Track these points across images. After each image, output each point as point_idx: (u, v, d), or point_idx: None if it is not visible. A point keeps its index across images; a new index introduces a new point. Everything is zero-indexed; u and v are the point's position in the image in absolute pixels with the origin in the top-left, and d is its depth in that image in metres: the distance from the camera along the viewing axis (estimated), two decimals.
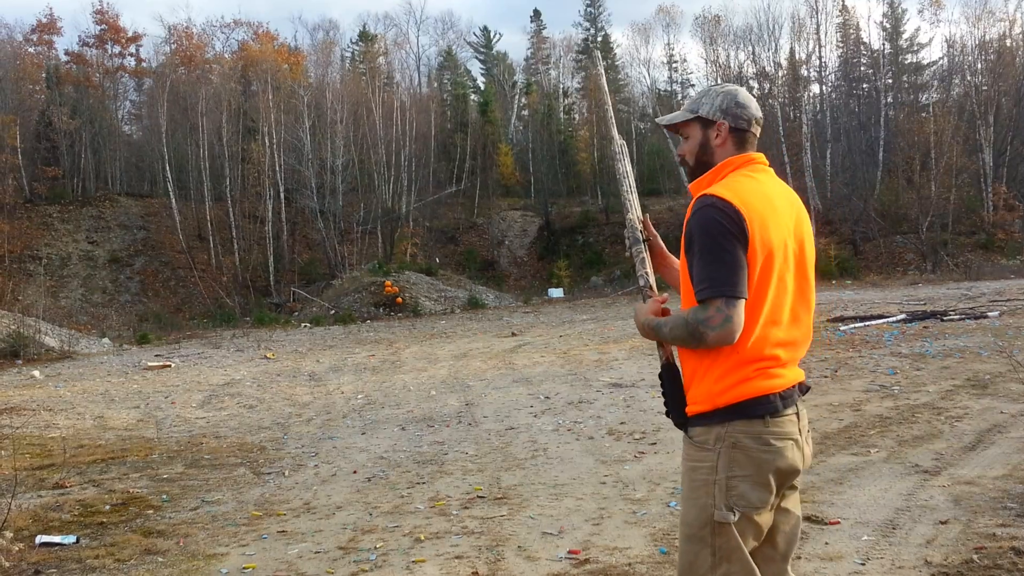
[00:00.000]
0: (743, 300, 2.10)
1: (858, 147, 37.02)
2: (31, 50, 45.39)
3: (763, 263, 2.15)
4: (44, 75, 42.59)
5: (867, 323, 14.79)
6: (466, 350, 15.94)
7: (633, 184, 2.64)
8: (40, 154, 37.77)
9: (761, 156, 2.36)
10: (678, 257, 2.35)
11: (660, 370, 2.35)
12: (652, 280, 2.46)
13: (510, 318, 23.89)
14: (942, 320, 14.40)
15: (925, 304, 18.10)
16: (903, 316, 15.38)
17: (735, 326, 2.08)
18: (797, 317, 2.26)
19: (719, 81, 40.84)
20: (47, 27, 45.43)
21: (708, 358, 2.19)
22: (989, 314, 14.57)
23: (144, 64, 47.44)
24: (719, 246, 2.11)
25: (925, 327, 13.74)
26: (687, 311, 2.17)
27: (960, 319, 14.28)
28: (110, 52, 46.58)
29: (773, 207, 2.22)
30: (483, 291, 31.39)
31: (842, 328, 14.29)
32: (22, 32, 46.19)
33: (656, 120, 2.54)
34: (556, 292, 31.80)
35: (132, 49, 47.33)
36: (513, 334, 18.50)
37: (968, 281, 25.18)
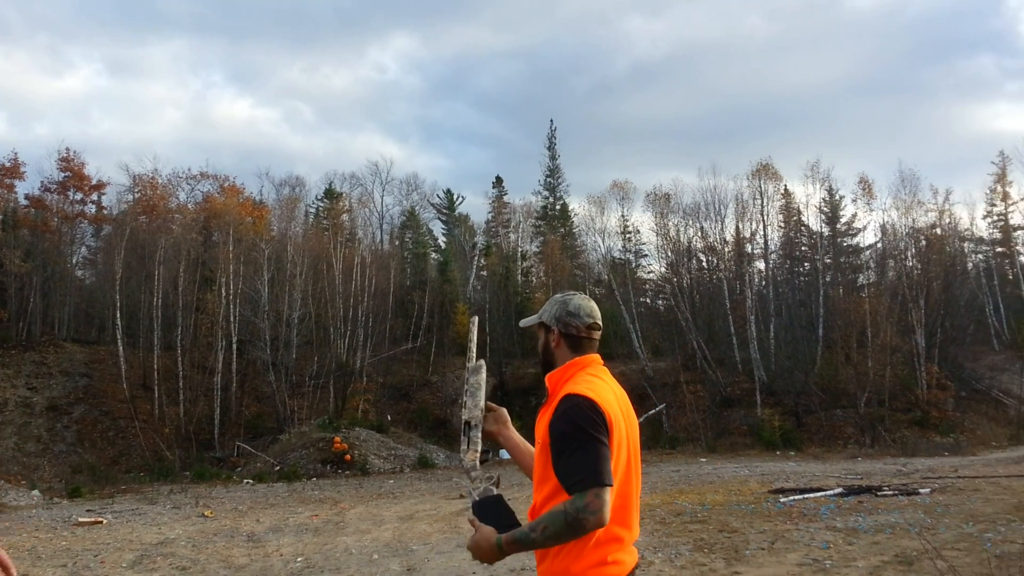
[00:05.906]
0: (611, 487, 2.31)
1: (799, 322, 38.38)
2: None
3: (617, 453, 2.43)
4: (0, 217, 42.15)
5: (806, 495, 15.06)
6: (413, 512, 15.79)
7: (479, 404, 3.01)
8: None
9: (598, 358, 2.72)
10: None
11: (476, 503, 2.56)
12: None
13: (460, 479, 23.66)
14: (876, 495, 14.75)
15: (862, 479, 18.52)
16: (840, 490, 15.73)
17: (608, 510, 2.27)
18: (636, 503, 2.55)
19: (667, 254, 43.08)
20: (10, 171, 44.69)
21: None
22: (921, 491, 14.97)
23: (105, 211, 46.94)
24: (591, 439, 2.33)
25: (860, 501, 14.08)
26: (562, 504, 2.30)
27: (893, 495, 14.65)
28: (71, 198, 46.12)
29: (618, 403, 2.55)
30: (434, 450, 31.08)
31: (782, 500, 14.54)
32: None
33: (520, 323, 2.89)
34: (507, 454, 31.57)
35: (94, 196, 46.90)
36: (461, 496, 18.33)
37: (904, 457, 25.85)
